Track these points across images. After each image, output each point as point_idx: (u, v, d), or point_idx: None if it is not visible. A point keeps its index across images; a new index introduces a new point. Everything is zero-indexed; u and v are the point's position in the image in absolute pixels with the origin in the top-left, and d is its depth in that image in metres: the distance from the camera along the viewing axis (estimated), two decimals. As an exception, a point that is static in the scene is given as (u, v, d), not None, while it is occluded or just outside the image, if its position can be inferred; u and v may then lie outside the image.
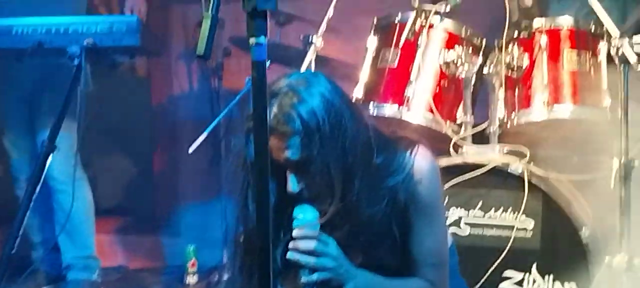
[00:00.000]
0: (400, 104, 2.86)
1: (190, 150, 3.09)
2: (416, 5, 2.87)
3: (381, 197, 1.95)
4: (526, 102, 2.84)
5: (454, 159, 2.80)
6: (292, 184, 1.91)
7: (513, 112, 2.86)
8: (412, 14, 2.87)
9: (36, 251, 3.82)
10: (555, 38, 2.86)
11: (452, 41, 2.90)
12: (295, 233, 1.92)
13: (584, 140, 2.96)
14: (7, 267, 2.81)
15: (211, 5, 1.50)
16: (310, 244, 1.90)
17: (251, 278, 1.99)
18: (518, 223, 2.72)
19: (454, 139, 2.83)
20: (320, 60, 3.09)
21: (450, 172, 2.72)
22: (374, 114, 2.85)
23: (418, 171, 1.98)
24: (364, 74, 2.95)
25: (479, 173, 2.73)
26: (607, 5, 2.81)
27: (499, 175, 2.75)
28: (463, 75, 2.88)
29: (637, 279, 2.56)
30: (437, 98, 2.87)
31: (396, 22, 2.96)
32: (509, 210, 2.75)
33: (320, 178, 1.89)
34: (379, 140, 1.99)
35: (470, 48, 2.91)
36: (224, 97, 4.11)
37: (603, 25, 2.78)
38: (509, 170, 2.74)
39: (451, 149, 2.83)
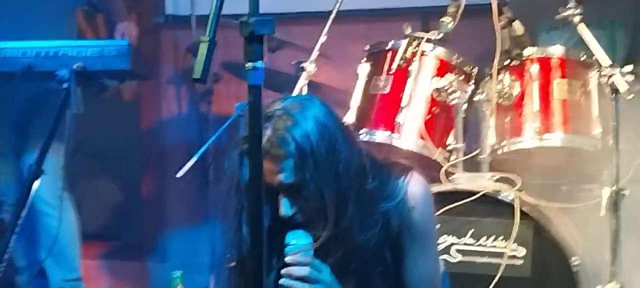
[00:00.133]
0: (392, 130, 2.86)
1: (179, 174, 3.06)
2: (408, 32, 2.88)
3: (374, 223, 1.94)
4: (517, 130, 2.86)
5: (445, 186, 2.80)
6: (285, 208, 1.90)
7: (504, 140, 2.87)
8: (404, 42, 2.88)
9: (21, 276, 3.77)
10: (546, 67, 2.88)
11: (443, 68, 2.92)
12: (288, 259, 1.90)
13: (575, 168, 2.98)
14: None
15: (208, 29, 1.50)
16: (304, 271, 1.88)
17: (244, 304, 1.97)
18: (509, 251, 2.71)
19: (445, 166, 2.83)
20: (312, 85, 3.09)
21: (441, 199, 2.70)
22: (366, 140, 2.84)
23: (412, 197, 1.97)
24: (356, 100, 2.96)
25: (469, 201, 2.73)
26: (596, 34, 2.84)
27: (490, 203, 2.75)
28: (454, 102, 2.89)
29: (628, 308, 2.57)
30: (429, 125, 2.88)
31: (388, 49, 2.97)
32: (500, 237, 2.75)
33: (313, 202, 1.88)
34: (373, 165, 1.99)
35: (462, 75, 2.93)
36: (213, 122, 4.10)
37: (593, 55, 2.81)
38: (500, 198, 2.74)
39: (442, 176, 2.83)
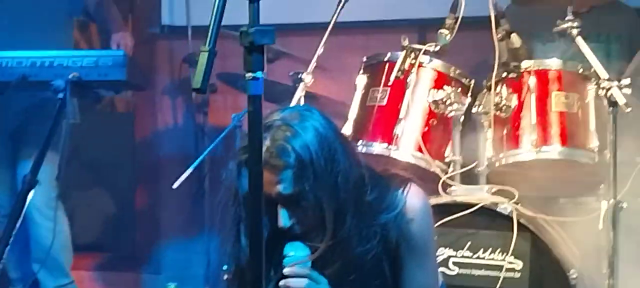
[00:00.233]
0: (389, 142, 2.85)
1: (175, 185, 3.06)
2: (405, 44, 2.88)
3: (373, 234, 1.93)
4: (514, 142, 2.85)
5: (443, 198, 2.79)
6: (284, 219, 1.88)
7: (501, 152, 2.86)
8: (402, 53, 2.87)
9: (15, 287, 3.75)
10: (543, 79, 2.87)
11: (441, 80, 2.91)
12: (286, 270, 1.89)
13: (572, 181, 2.98)
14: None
15: (208, 39, 1.49)
16: (302, 283, 1.87)
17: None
18: (507, 263, 2.70)
19: (443, 178, 2.82)
20: (309, 96, 3.09)
21: (438, 211, 2.68)
22: (363, 152, 2.83)
23: (410, 209, 1.97)
24: (353, 111, 2.95)
25: (467, 213, 2.72)
26: (592, 47, 2.85)
27: (488, 215, 2.74)
28: (452, 115, 2.88)
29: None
30: (426, 137, 2.87)
31: (385, 60, 2.97)
32: (498, 250, 2.73)
33: (312, 213, 1.87)
34: (371, 176, 1.99)
35: (459, 88, 2.92)
36: (209, 133, 4.09)
37: (591, 67, 2.81)
38: (497, 210, 2.73)
39: (440, 188, 2.82)
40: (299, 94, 2.97)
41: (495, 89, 2.87)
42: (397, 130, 2.85)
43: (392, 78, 2.86)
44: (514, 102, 2.87)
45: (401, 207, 1.96)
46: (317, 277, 1.89)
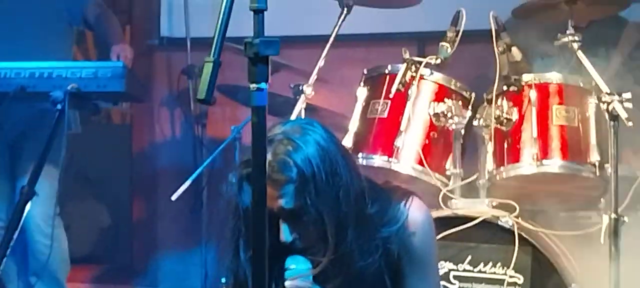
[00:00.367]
0: (390, 154, 2.84)
1: (173, 197, 3.05)
2: (406, 56, 2.87)
3: (374, 248, 1.92)
4: (515, 155, 2.84)
5: (443, 212, 2.78)
6: (285, 234, 1.87)
7: (502, 166, 2.85)
8: (403, 66, 2.86)
9: (12, 300, 3.72)
10: (544, 93, 2.86)
11: (441, 93, 2.90)
12: (287, 284, 1.88)
13: (572, 195, 2.97)
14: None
15: (213, 49, 1.48)
16: (304, 296, 1.86)
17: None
18: (508, 277, 2.69)
19: (443, 191, 2.81)
20: (309, 109, 3.08)
21: (439, 224, 2.67)
22: (363, 164, 2.82)
23: (412, 223, 1.96)
24: (353, 123, 2.94)
25: (468, 227, 2.71)
26: (591, 61, 2.84)
27: (489, 229, 2.72)
28: (453, 127, 2.87)
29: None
30: (427, 149, 2.86)
31: (386, 73, 2.96)
32: (498, 264, 2.72)
33: (313, 227, 1.86)
34: (373, 189, 1.98)
35: (460, 101, 2.91)
36: (207, 145, 4.08)
37: (591, 81, 2.81)
38: (498, 224, 2.72)
39: (440, 201, 2.81)
40: (300, 105, 2.96)
41: (496, 102, 2.86)
42: (398, 142, 2.84)
43: (393, 90, 2.85)
44: (515, 116, 2.86)
45: (403, 221, 1.95)
46: (319, 291, 1.88)
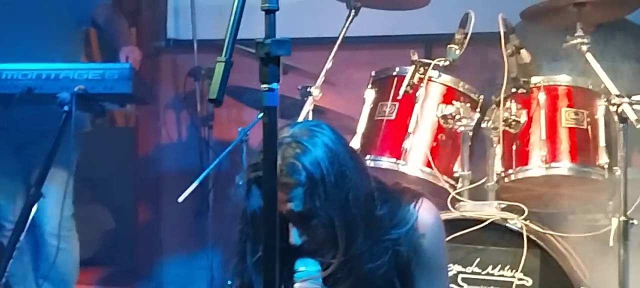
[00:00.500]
0: (398, 157, 2.83)
1: (180, 199, 3.03)
2: (415, 58, 2.86)
3: (384, 250, 1.91)
4: (524, 158, 2.83)
5: (451, 214, 2.77)
6: (294, 237, 1.86)
7: (510, 168, 2.84)
8: (411, 68, 2.86)
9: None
10: (553, 95, 2.86)
11: (450, 95, 2.89)
12: (297, 286, 1.88)
13: (581, 197, 2.95)
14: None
15: (225, 49, 1.47)
16: (314, 298, 1.85)
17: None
18: (516, 280, 2.67)
19: (452, 193, 2.80)
20: (316, 111, 3.07)
21: (447, 227, 2.64)
22: (371, 166, 2.81)
23: (422, 224, 1.95)
24: (361, 125, 2.93)
25: (476, 229, 2.69)
26: (600, 64, 2.83)
27: (497, 231, 2.71)
28: (461, 130, 2.86)
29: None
30: (435, 151, 2.85)
31: (394, 75, 2.96)
32: (507, 267, 2.70)
33: (323, 230, 1.85)
34: (382, 191, 1.97)
35: (468, 103, 2.90)
36: (213, 147, 4.07)
37: (600, 84, 2.79)
38: (507, 226, 2.70)
39: (448, 204, 2.80)
40: (308, 107, 2.95)
41: (504, 105, 2.85)
42: (406, 144, 2.83)
43: (400, 92, 2.84)
44: (524, 118, 2.85)
45: (413, 222, 1.94)
46: (328, 293, 1.87)
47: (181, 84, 4.31)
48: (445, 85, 2.91)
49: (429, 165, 2.83)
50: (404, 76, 2.86)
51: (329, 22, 3.32)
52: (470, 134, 2.88)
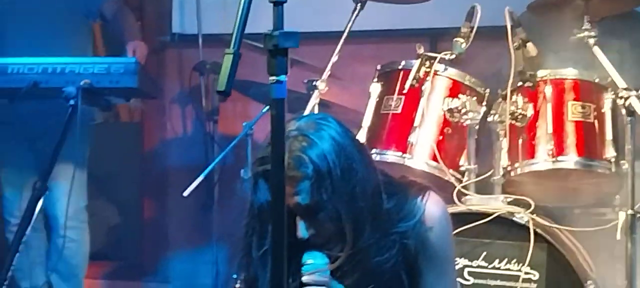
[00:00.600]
0: (404, 150, 2.83)
1: (185, 193, 3.03)
2: (421, 52, 2.86)
3: (391, 243, 1.91)
4: (530, 151, 2.82)
5: (458, 207, 2.76)
6: (302, 230, 1.86)
7: (517, 162, 2.84)
8: (417, 61, 2.85)
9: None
10: (559, 88, 2.85)
11: (456, 89, 2.89)
12: (305, 279, 1.87)
13: (588, 191, 2.95)
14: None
15: (233, 41, 1.47)
16: (321, 291, 1.85)
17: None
18: (523, 274, 2.67)
19: (458, 187, 2.80)
20: (322, 104, 3.07)
21: (453, 220, 2.64)
22: (377, 160, 2.80)
23: (429, 218, 1.95)
24: (367, 119, 2.93)
25: (483, 223, 2.69)
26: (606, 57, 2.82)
27: (504, 225, 2.71)
28: (467, 123, 2.85)
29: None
30: (441, 145, 2.84)
31: (400, 68, 2.95)
32: (513, 260, 2.70)
33: (330, 223, 1.85)
34: (389, 184, 1.96)
35: (475, 96, 2.89)
36: (219, 141, 4.07)
37: (607, 77, 2.78)
38: (513, 220, 2.70)
39: (454, 197, 2.79)
40: (313, 101, 2.95)
41: (510, 98, 2.84)
42: (412, 138, 2.82)
43: (406, 86, 2.84)
44: (530, 111, 2.84)
45: (420, 215, 1.94)
46: (335, 286, 1.87)
47: (186, 79, 4.31)
48: (451, 79, 2.90)
49: (435, 158, 2.83)
50: (410, 70, 2.86)
51: (335, 16, 3.31)
52: (477, 127, 2.87)
